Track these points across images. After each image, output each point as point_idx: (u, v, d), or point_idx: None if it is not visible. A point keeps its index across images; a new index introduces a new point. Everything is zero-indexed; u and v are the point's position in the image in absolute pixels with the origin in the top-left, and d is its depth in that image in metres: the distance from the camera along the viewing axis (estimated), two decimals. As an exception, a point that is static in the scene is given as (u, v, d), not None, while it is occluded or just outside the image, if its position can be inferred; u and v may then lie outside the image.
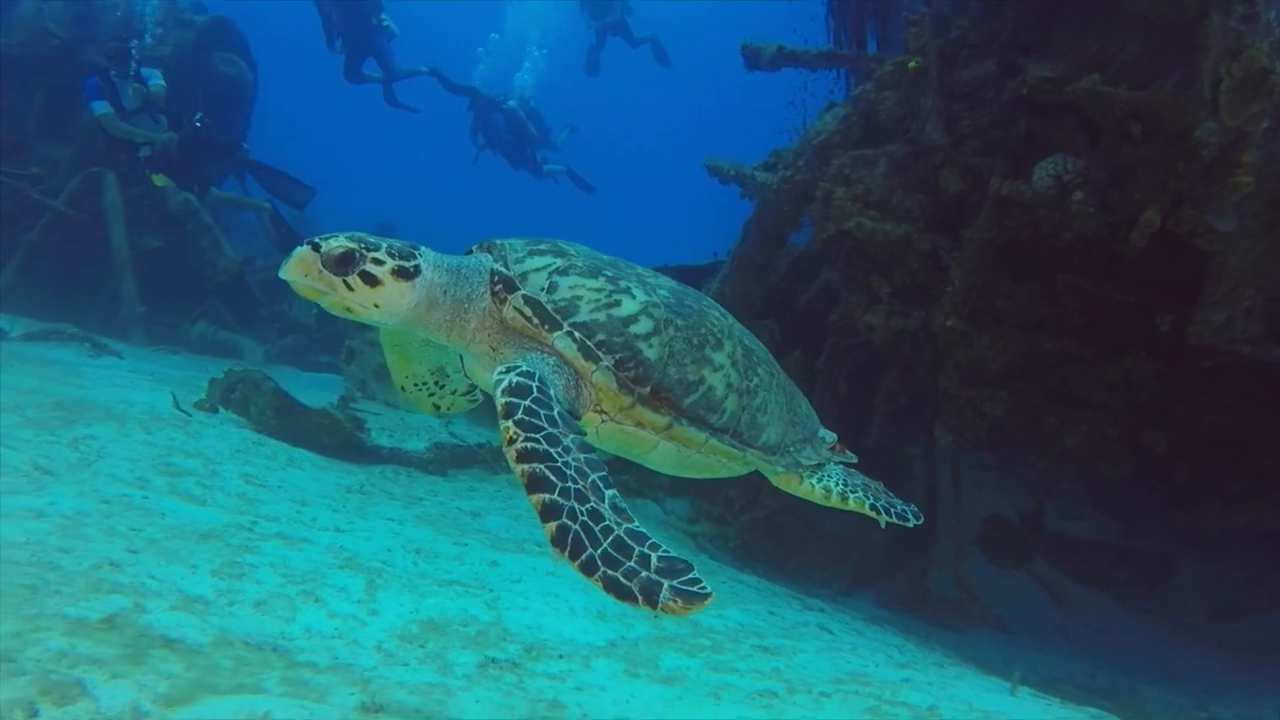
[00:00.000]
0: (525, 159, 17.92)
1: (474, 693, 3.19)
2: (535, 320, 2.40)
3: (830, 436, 3.08)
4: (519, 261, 2.49)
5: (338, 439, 7.16)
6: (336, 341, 12.68)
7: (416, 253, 2.39)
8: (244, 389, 7.14)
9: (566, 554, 1.98)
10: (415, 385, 3.01)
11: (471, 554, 5.35)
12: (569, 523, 2.00)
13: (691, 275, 8.91)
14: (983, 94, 6.08)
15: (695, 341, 2.56)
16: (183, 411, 6.82)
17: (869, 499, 3.01)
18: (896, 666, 4.87)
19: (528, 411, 2.16)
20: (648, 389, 2.44)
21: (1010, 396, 6.35)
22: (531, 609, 4.46)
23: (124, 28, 12.38)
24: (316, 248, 2.26)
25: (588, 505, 2.05)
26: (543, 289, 2.43)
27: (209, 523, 4.51)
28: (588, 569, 1.98)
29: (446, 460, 7.72)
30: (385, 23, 14.50)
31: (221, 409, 7.19)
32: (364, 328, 9.43)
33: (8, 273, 11.11)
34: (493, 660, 3.59)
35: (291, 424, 7.02)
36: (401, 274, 2.32)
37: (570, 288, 2.44)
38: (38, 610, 2.79)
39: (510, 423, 2.12)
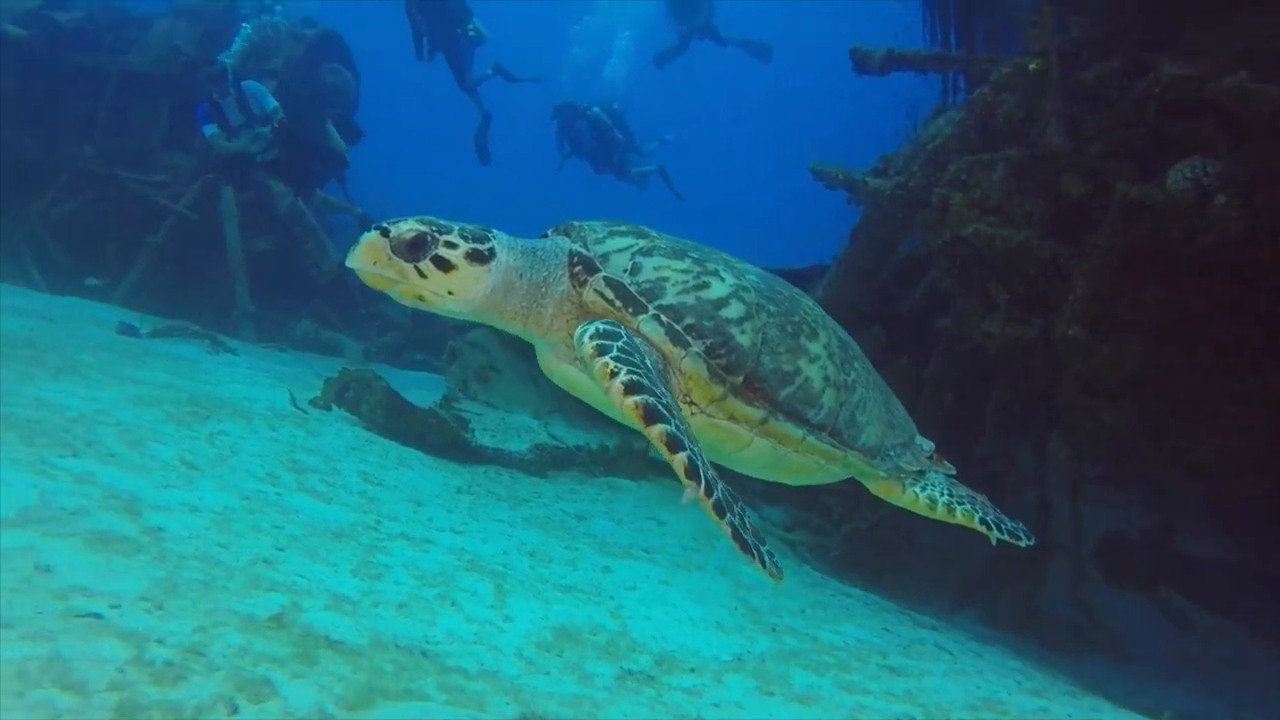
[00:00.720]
0: (610, 163, 17.98)
1: (619, 705, 3.22)
2: (618, 303, 2.23)
3: (928, 444, 2.87)
4: (599, 242, 2.35)
5: (444, 439, 7.31)
6: (431, 340, 12.98)
7: (490, 235, 2.26)
8: (356, 388, 7.35)
9: (701, 490, 1.89)
10: None
11: (583, 559, 5.42)
12: (695, 460, 1.92)
13: (791, 278, 8.87)
14: (1106, 94, 5.91)
15: (789, 329, 2.37)
16: (300, 409, 7.05)
17: (978, 512, 2.81)
18: (1028, 694, 4.75)
19: (623, 350, 2.07)
20: (741, 378, 2.27)
21: (1133, 407, 6.15)
22: (654, 619, 4.50)
23: (214, 50, 12.92)
24: (385, 232, 2.14)
25: (697, 446, 1.99)
26: (625, 270, 2.28)
27: (338, 521, 4.66)
28: (719, 510, 1.91)
29: (547, 462, 7.82)
30: (472, 32, 14.65)
31: (335, 406, 7.40)
32: (463, 327, 9.61)
33: (135, 272, 11.72)
34: (629, 672, 3.63)
35: (400, 423, 7.19)
36: (476, 257, 2.19)
37: (655, 269, 2.29)
38: (213, 605, 2.92)
39: (607, 359, 2.03)
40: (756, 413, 2.30)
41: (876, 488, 2.84)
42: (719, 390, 2.26)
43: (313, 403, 7.30)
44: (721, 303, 2.29)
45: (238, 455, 5.29)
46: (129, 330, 8.89)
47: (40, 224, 12.56)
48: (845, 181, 6.59)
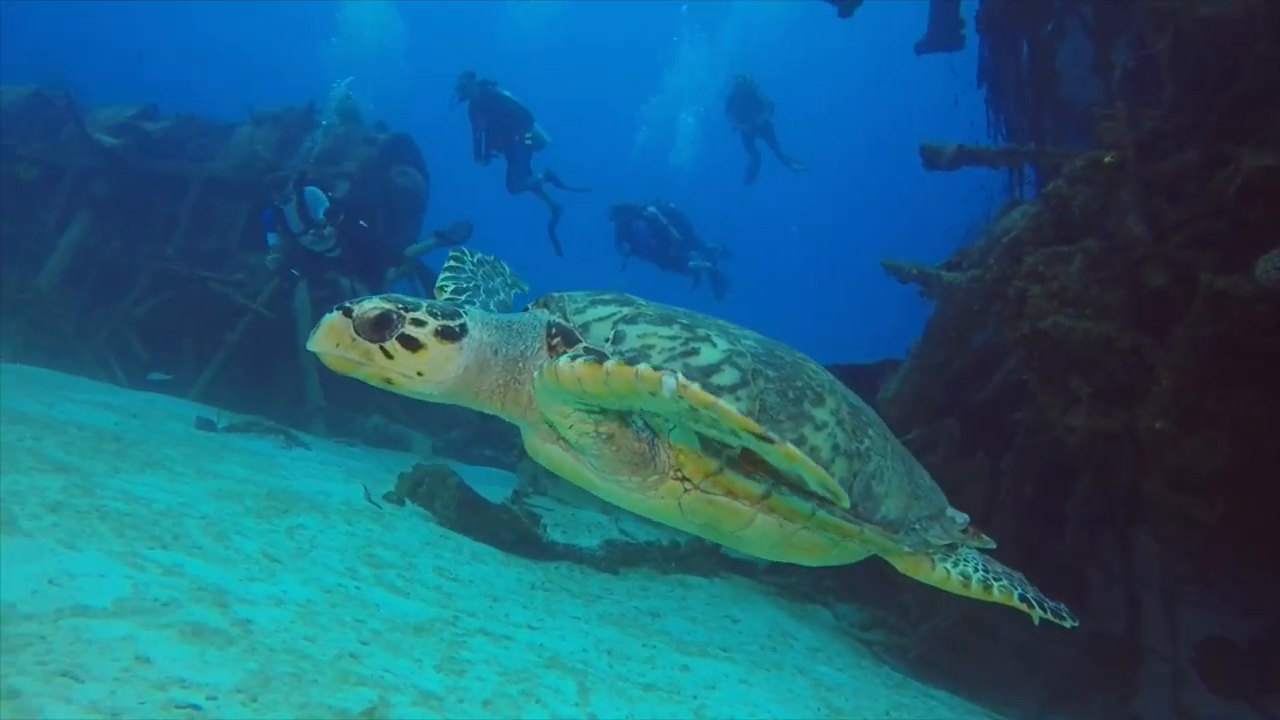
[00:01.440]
0: (671, 260, 18.18)
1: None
2: None
3: (961, 517, 2.68)
4: (579, 312, 2.23)
5: (516, 534, 7.28)
6: (499, 435, 13.05)
7: (462, 311, 2.15)
8: (430, 483, 7.39)
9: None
10: None
11: (661, 657, 5.30)
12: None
13: (862, 374, 8.82)
14: (1185, 186, 5.88)
15: (791, 395, 2.20)
16: (375, 504, 7.09)
17: (1017, 589, 2.61)
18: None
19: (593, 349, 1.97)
20: (737, 450, 2.10)
21: (1224, 504, 5.93)
22: (738, 718, 4.36)
23: (293, 155, 13.49)
24: (348, 312, 2.04)
25: None
26: (607, 340, 2.14)
27: (417, 616, 4.63)
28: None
29: (618, 558, 7.74)
30: (529, 140, 15.04)
31: (408, 501, 7.44)
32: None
33: (211, 368, 12.06)
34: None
35: (473, 518, 7.19)
36: (446, 335, 2.08)
37: (640, 336, 2.14)
38: (306, 699, 2.90)
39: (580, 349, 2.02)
40: (757, 487, 2.14)
41: (903, 565, 2.64)
42: (713, 464, 2.11)
43: (386, 497, 7.35)
44: (713, 369, 2.13)
45: (317, 549, 5.32)
46: (207, 425, 9.10)
47: (124, 321, 13.05)
48: (919, 276, 6.60)
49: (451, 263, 2.71)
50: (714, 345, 2.17)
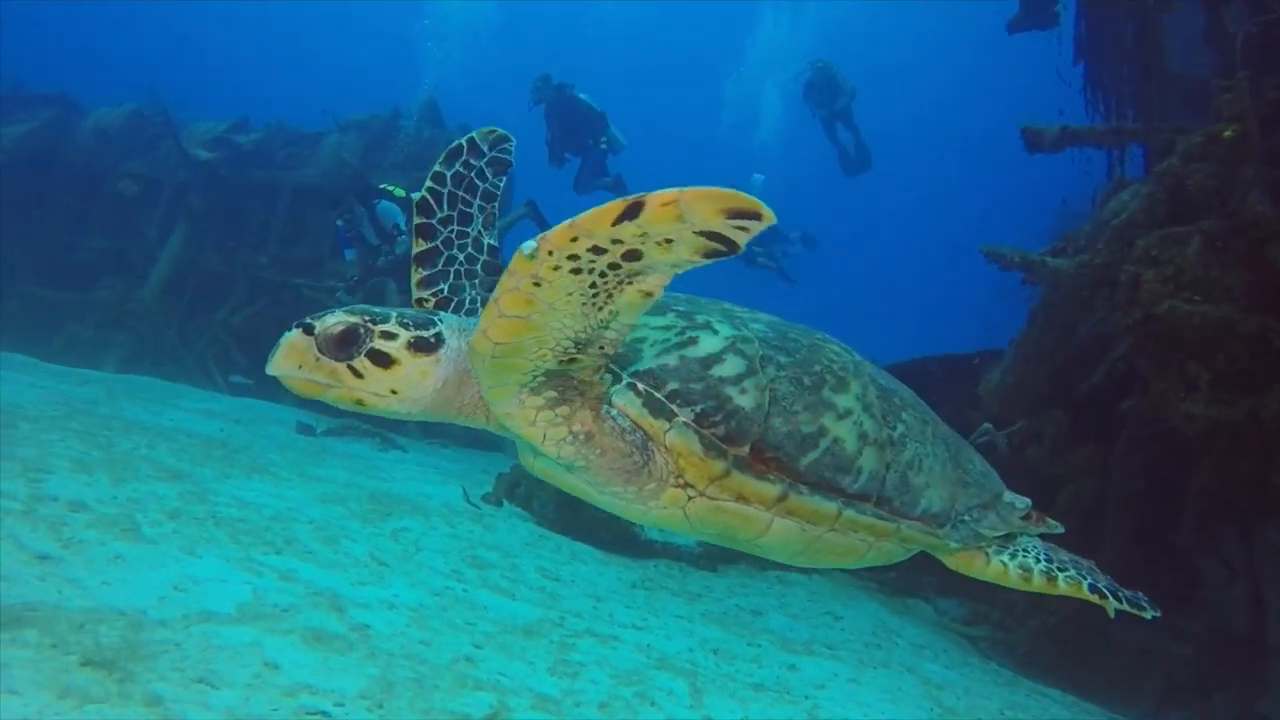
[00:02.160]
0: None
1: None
2: None
3: (1022, 502, 2.42)
4: None
5: (614, 533, 7.27)
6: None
7: (436, 319, 1.95)
8: (528, 484, 7.42)
9: None
10: None
11: (767, 655, 5.23)
12: None
13: (959, 365, 8.59)
14: (1310, 159, 5.55)
15: (808, 382, 1.99)
16: (474, 505, 7.16)
17: (1085, 579, 2.35)
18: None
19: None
20: (746, 448, 1.89)
21: (1359, 494, 5.61)
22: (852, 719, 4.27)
23: (380, 161, 13.70)
24: (309, 329, 1.85)
25: None
26: None
27: (525, 617, 4.64)
28: None
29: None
30: (604, 145, 14.98)
31: (506, 502, 7.49)
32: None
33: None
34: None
35: (571, 518, 7.20)
36: (421, 347, 1.88)
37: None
38: (429, 704, 2.92)
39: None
40: (772, 489, 1.91)
41: (953, 561, 2.40)
42: (719, 466, 1.89)
43: (484, 498, 7.42)
44: (713, 359, 1.94)
45: (422, 552, 5.38)
46: (307, 429, 9.32)
47: (223, 330, 13.46)
48: (1022, 263, 6.37)
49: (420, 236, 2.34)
50: (715, 333, 1.99)
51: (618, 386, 1.88)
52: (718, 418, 1.89)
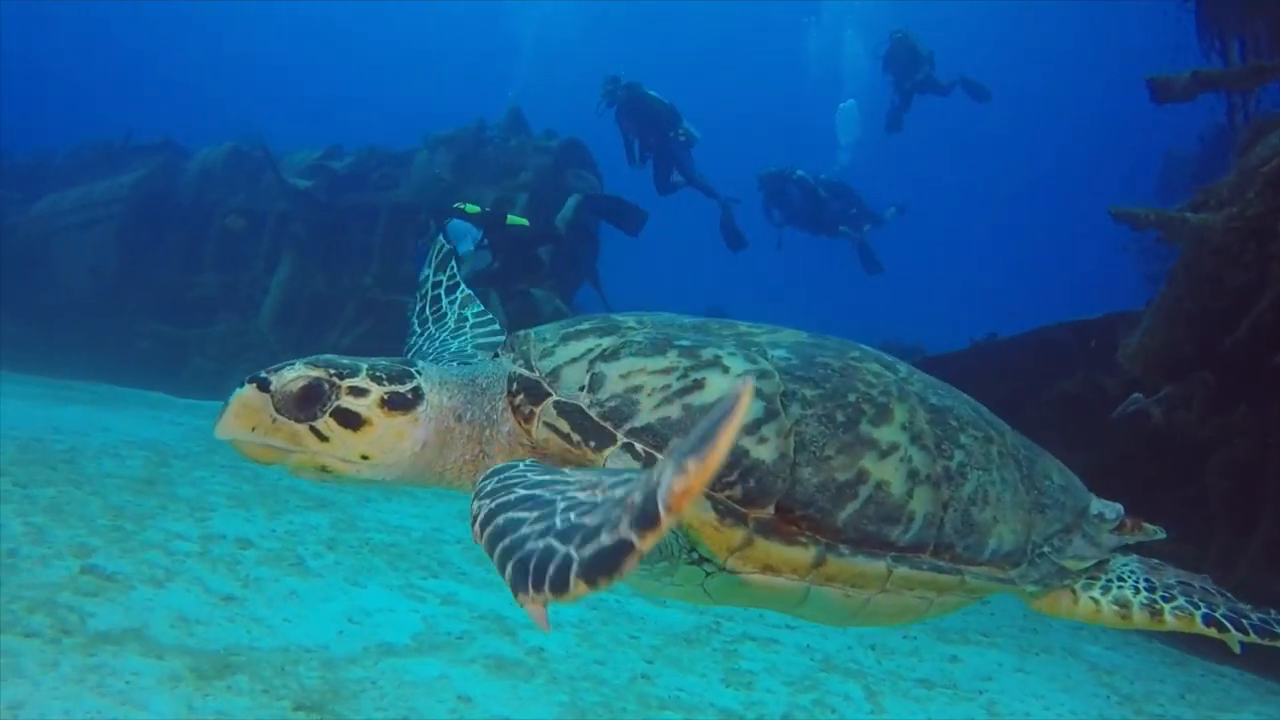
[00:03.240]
0: (825, 225, 17.43)
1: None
2: (576, 437, 1.62)
3: (1113, 510, 2.03)
4: (547, 354, 1.75)
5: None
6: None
7: (414, 372, 1.72)
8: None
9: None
10: None
11: (925, 648, 5.12)
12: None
13: (1088, 330, 8.25)
14: None
15: (841, 418, 1.69)
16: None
17: (1199, 608, 1.92)
18: None
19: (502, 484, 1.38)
20: (769, 509, 1.58)
21: None
22: (1035, 715, 4.14)
23: (471, 174, 13.88)
24: (264, 385, 1.62)
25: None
26: (582, 388, 1.67)
27: (680, 625, 4.62)
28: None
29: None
30: (683, 136, 14.83)
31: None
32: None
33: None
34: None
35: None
36: (396, 404, 1.66)
37: (623, 377, 1.67)
38: (627, 731, 2.92)
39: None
40: (804, 553, 1.59)
41: (1036, 604, 2.00)
42: (738, 535, 1.57)
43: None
44: None
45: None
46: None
47: (333, 353, 13.81)
48: (1157, 220, 6.04)
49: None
50: (725, 371, 1.68)
51: (613, 449, 1.61)
52: (733, 477, 1.57)
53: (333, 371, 1.63)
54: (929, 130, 19.77)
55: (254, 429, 1.61)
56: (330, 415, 1.61)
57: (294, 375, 1.61)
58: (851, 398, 1.71)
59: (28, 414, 7.57)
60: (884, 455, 1.67)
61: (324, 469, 1.65)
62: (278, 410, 1.60)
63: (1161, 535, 2.08)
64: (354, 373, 1.65)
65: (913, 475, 1.69)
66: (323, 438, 1.61)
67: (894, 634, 5.31)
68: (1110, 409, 7.13)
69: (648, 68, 14.73)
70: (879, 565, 1.62)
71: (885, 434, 1.69)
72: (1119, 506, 2.05)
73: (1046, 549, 1.87)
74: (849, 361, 1.81)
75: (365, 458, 1.64)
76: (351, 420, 1.62)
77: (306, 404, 1.60)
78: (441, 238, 11.99)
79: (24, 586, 3.48)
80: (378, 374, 1.66)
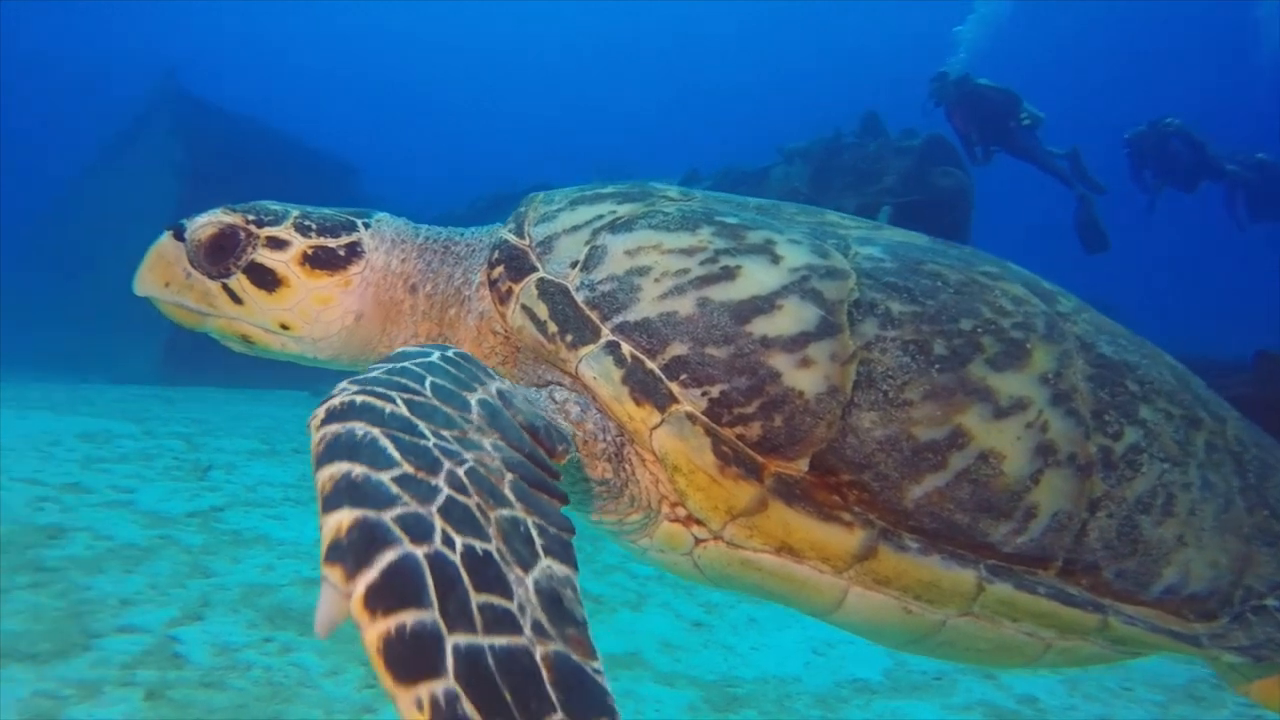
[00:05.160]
0: (1207, 175, 14.71)
1: None
2: (552, 328, 1.19)
3: None
4: (548, 218, 1.33)
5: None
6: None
7: (359, 222, 1.38)
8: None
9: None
10: None
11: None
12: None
13: None
14: None
15: (942, 349, 1.16)
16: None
17: None
18: None
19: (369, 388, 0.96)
20: (800, 463, 1.09)
21: None
22: None
23: (829, 185, 13.73)
24: (179, 233, 1.33)
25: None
26: (575, 264, 1.24)
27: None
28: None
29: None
30: (1025, 121, 13.61)
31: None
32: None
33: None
34: None
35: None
36: (320, 262, 1.31)
37: (629, 254, 1.22)
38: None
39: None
40: (847, 537, 1.09)
41: (1248, 689, 1.36)
42: (746, 493, 1.10)
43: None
44: (758, 306, 1.15)
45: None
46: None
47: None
48: None
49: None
50: (775, 260, 1.21)
51: (590, 348, 1.18)
52: (750, 408, 1.11)
53: (251, 218, 1.34)
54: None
55: (167, 285, 1.34)
56: (243, 272, 1.33)
57: (206, 219, 1.33)
58: (966, 324, 1.20)
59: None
60: (1001, 414, 1.15)
61: (246, 338, 1.37)
62: (191, 263, 1.34)
63: None
64: (279, 219, 1.34)
65: (1044, 451, 1.16)
66: (237, 299, 1.33)
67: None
68: None
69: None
70: (965, 575, 1.12)
71: (1010, 384, 1.17)
72: None
73: (1272, 601, 1.26)
74: (975, 276, 1.30)
75: (285, 327, 1.34)
76: (265, 279, 1.31)
77: (218, 256, 1.32)
78: None
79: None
80: (307, 223, 1.35)
